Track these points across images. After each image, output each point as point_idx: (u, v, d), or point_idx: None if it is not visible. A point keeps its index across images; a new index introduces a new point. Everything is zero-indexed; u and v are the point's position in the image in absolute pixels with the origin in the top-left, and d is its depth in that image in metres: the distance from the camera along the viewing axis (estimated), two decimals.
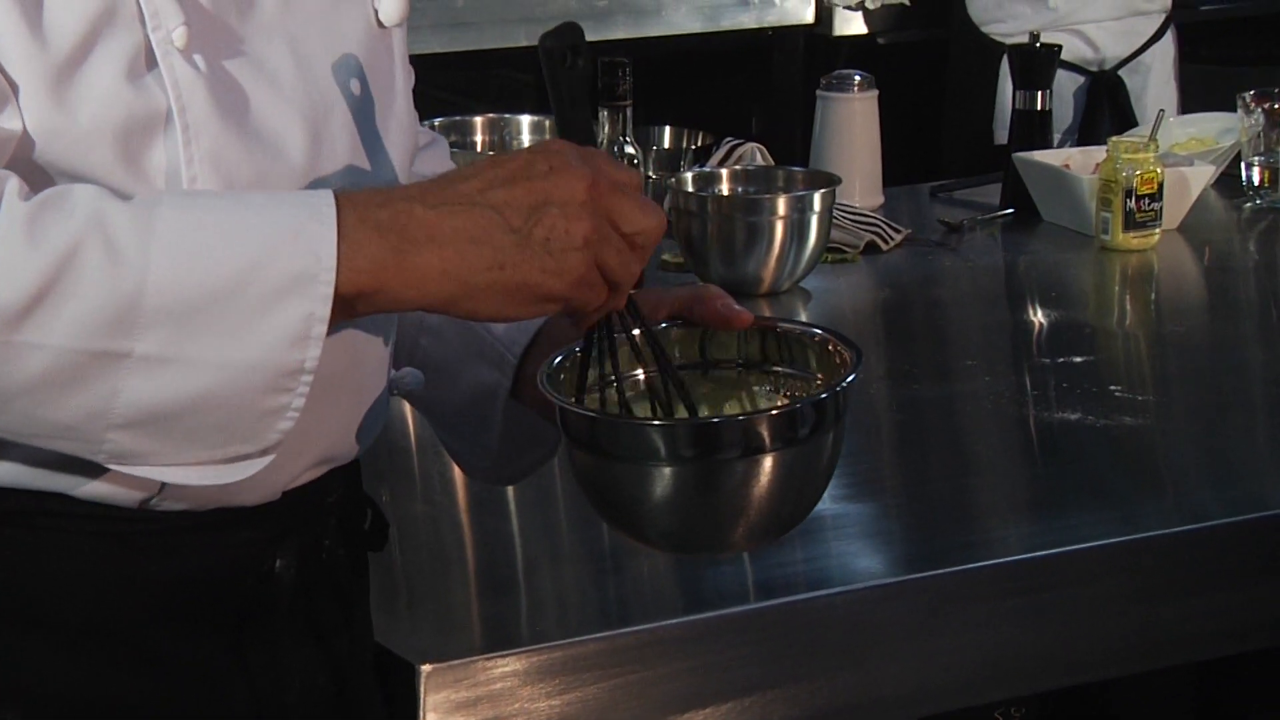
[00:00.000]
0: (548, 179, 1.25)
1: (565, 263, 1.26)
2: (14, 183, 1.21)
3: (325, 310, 1.22)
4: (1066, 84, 3.88)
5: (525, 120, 2.89)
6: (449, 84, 4.83)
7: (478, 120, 2.88)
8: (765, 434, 1.32)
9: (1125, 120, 3.81)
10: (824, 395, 1.36)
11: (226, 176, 1.29)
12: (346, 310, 1.24)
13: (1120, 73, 3.96)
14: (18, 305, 1.18)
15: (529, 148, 1.30)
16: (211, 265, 1.21)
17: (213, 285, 1.21)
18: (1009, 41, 3.49)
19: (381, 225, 1.24)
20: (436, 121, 2.84)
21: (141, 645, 1.33)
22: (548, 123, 2.88)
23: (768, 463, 1.33)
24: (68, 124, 1.25)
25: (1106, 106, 3.92)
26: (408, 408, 2.11)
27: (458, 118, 2.88)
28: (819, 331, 1.47)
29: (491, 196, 1.24)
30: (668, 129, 3.72)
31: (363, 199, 1.25)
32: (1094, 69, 3.95)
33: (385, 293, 1.24)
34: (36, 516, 1.31)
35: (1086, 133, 3.83)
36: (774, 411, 1.36)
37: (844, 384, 1.36)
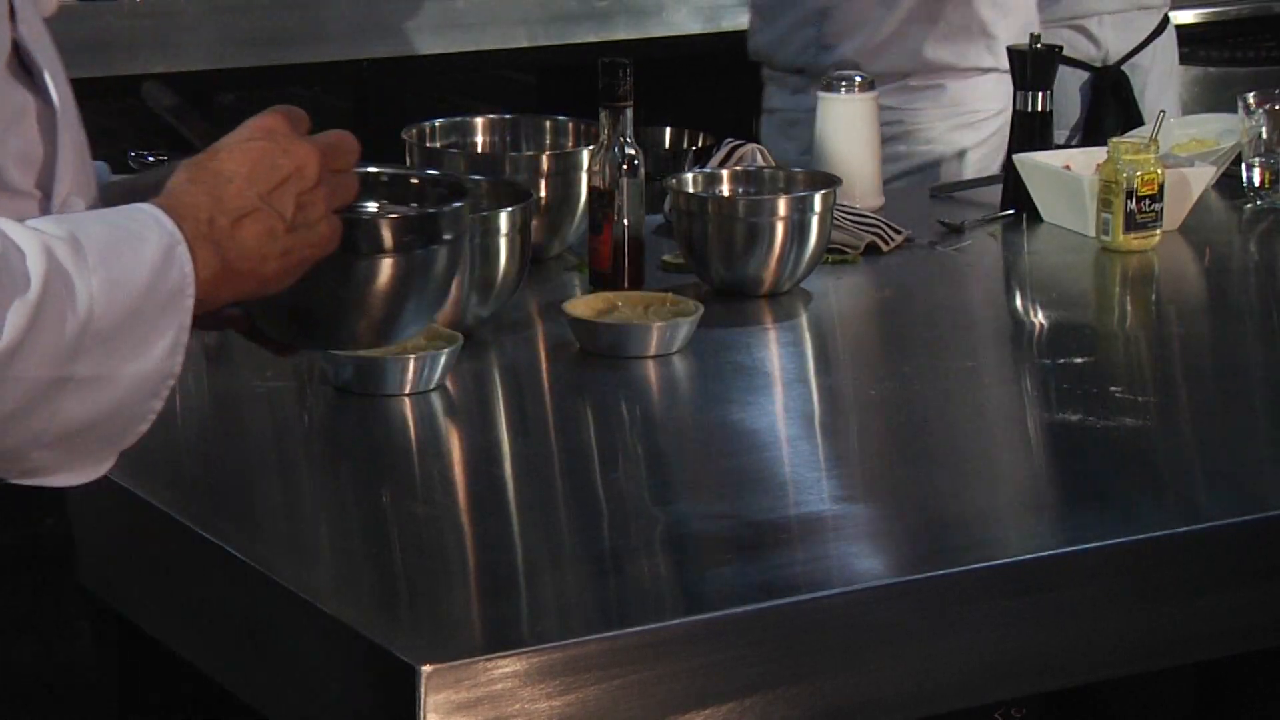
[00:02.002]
0: (291, 165, 1.46)
1: (321, 231, 1.48)
2: None
3: (189, 319, 1.40)
4: (1071, 80, 3.88)
5: (526, 121, 2.89)
6: (449, 85, 4.84)
7: (478, 121, 2.88)
8: (382, 236, 1.58)
9: (1130, 116, 3.81)
10: (430, 211, 1.63)
11: None
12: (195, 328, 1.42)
13: (1124, 68, 3.96)
14: (12, 343, 1.30)
15: (253, 134, 1.47)
16: (127, 288, 1.36)
17: (127, 306, 1.36)
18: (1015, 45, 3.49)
19: (204, 238, 1.42)
20: (437, 122, 2.84)
21: None
22: (548, 124, 2.88)
23: (384, 264, 1.58)
24: None
25: (1111, 102, 3.92)
26: (408, 409, 2.11)
27: (458, 118, 2.88)
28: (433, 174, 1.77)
29: (263, 197, 1.44)
30: (668, 130, 3.72)
31: (181, 212, 1.41)
32: (1098, 65, 3.95)
33: (213, 300, 1.43)
34: None
35: (1091, 129, 3.83)
36: (391, 217, 1.61)
37: (447, 208, 1.64)
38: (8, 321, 1.30)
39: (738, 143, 2.91)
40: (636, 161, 2.51)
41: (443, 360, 2.15)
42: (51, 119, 1.44)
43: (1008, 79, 3.09)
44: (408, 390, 2.13)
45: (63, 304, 1.33)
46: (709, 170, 2.74)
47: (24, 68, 1.43)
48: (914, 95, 3.29)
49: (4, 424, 1.34)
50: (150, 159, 2.64)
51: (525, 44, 4.05)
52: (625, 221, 2.51)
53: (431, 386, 2.14)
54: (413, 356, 2.13)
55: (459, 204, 1.66)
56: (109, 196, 1.52)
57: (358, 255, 1.57)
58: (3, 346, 1.30)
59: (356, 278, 1.57)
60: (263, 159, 1.45)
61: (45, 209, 1.43)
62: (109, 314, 1.36)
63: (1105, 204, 2.78)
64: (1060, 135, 3.58)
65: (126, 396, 1.39)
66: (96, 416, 1.38)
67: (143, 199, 1.45)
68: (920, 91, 3.29)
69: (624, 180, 2.50)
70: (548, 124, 2.88)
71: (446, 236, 1.64)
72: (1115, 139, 2.85)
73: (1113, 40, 3.95)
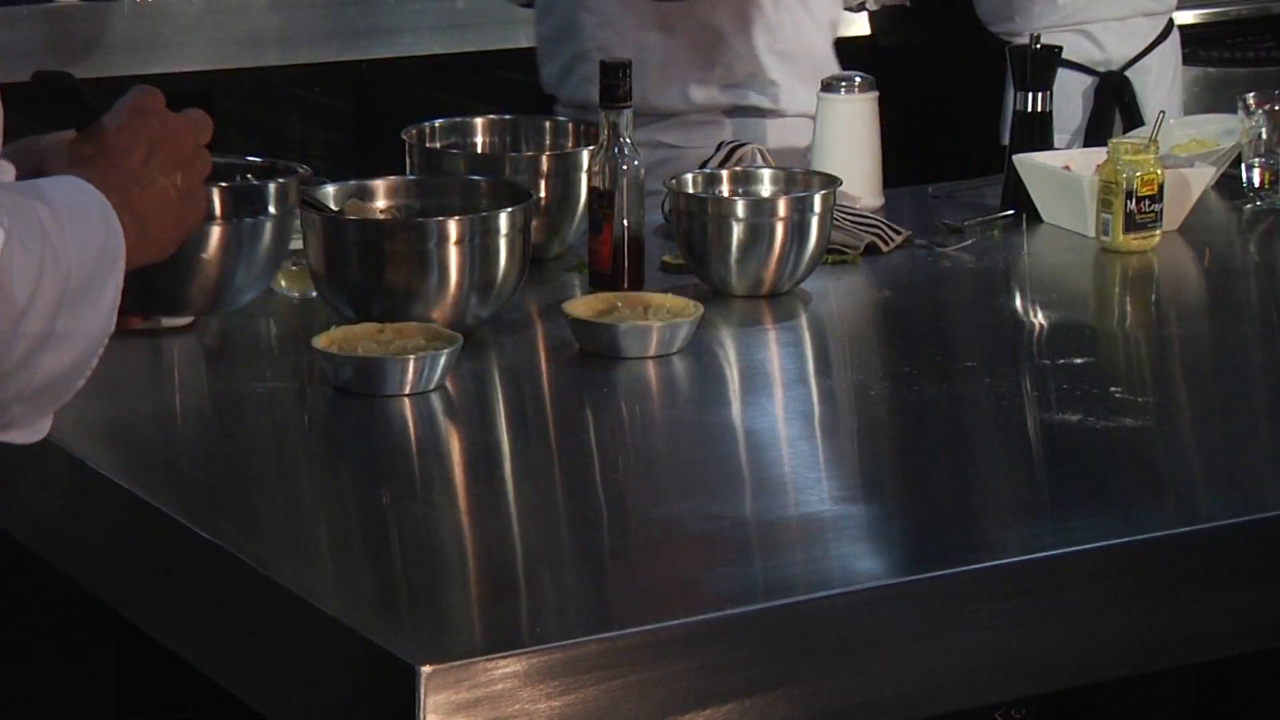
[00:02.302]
0: (173, 141, 1.60)
1: (202, 198, 1.63)
2: None
3: (122, 281, 1.52)
4: (1074, 84, 3.88)
5: (526, 122, 2.89)
6: (450, 86, 4.83)
7: (478, 121, 2.87)
8: (213, 204, 1.79)
9: (1133, 121, 3.81)
10: (256, 184, 1.87)
11: None
12: None
13: (1128, 73, 3.96)
14: (26, 300, 1.42)
15: (132, 113, 1.61)
16: (88, 251, 1.49)
17: (88, 268, 1.48)
18: (1016, 42, 3.49)
19: (124, 208, 1.54)
20: (437, 123, 2.84)
21: None
22: (548, 124, 2.88)
23: (214, 230, 1.80)
24: None
25: (1114, 107, 3.92)
26: (408, 409, 2.11)
27: (458, 119, 2.88)
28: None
29: (158, 170, 1.59)
30: None
31: (100, 184, 1.53)
32: (1101, 69, 3.95)
33: (130, 263, 1.54)
34: None
35: (1094, 133, 3.83)
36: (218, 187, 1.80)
37: (273, 183, 1.87)
38: (23, 280, 1.42)
39: (737, 143, 2.91)
40: (637, 161, 2.51)
41: (442, 361, 2.15)
42: None
43: (799, 124, 3.08)
44: (408, 390, 2.13)
45: (54, 264, 1.45)
46: (708, 171, 2.74)
47: None
48: (692, 131, 3.24)
49: (6, 378, 1.45)
50: None
51: (525, 44, 4.04)
52: (625, 222, 2.51)
53: (431, 387, 2.14)
54: (413, 357, 2.13)
55: (285, 180, 1.89)
56: None
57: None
58: (20, 304, 1.42)
59: (189, 242, 1.69)
60: (150, 135, 1.59)
61: None
62: (79, 274, 1.47)
63: (1105, 204, 2.78)
64: (1063, 140, 3.58)
65: (83, 352, 1.51)
66: (62, 372, 1.50)
67: (36, 170, 1.57)
68: (700, 127, 3.22)
69: (624, 181, 2.50)
70: (548, 125, 2.88)
71: (272, 210, 1.86)
72: (1115, 139, 2.85)
73: (1116, 45, 3.95)
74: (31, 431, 1.56)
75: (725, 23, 3.14)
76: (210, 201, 1.77)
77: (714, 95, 3.17)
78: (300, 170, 1.95)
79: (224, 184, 1.85)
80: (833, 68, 3.21)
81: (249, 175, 1.93)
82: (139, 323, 1.77)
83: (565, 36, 3.26)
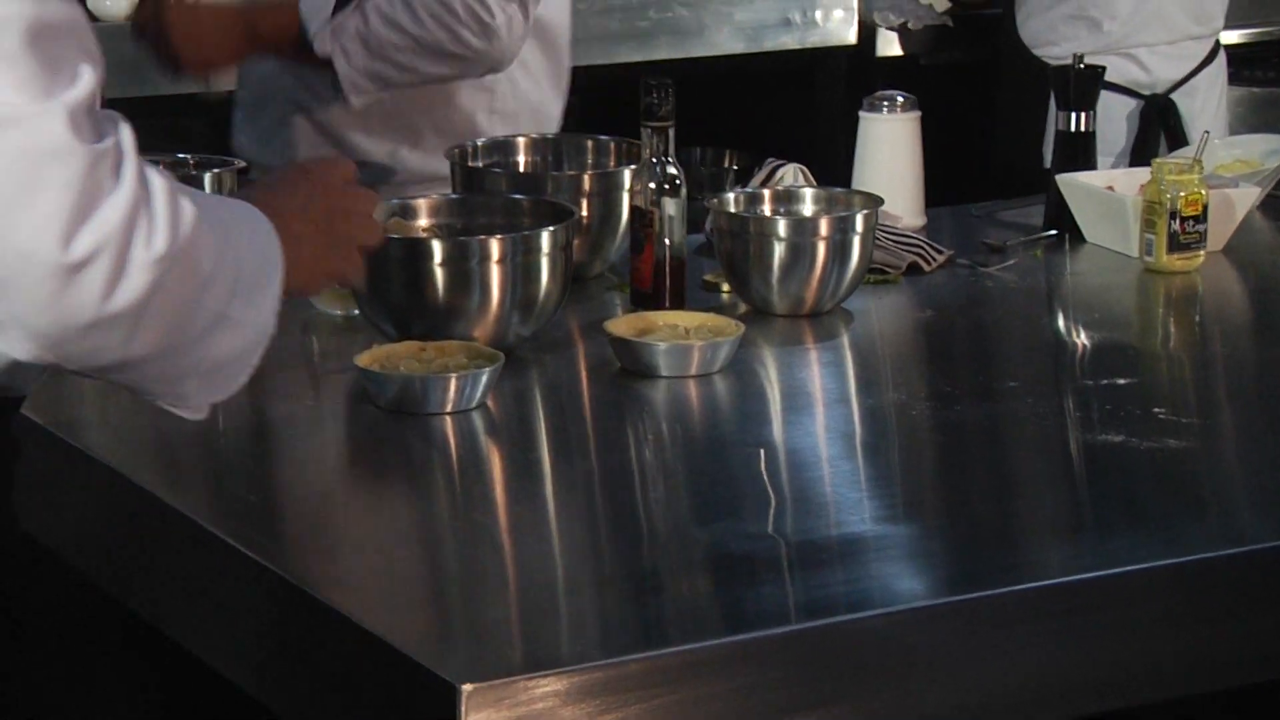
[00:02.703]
0: (331, 198, 1.82)
1: (352, 254, 1.83)
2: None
3: (280, 290, 1.67)
4: (1119, 107, 3.87)
5: (568, 140, 2.90)
6: None
7: (520, 140, 2.88)
8: None
9: (1178, 144, 3.79)
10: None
11: None
12: None
13: (1173, 96, 3.95)
14: (206, 273, 1.56)
15: (298, 170, 1.86)
16: (256, 251, 1.65)
17: (256, 263, 1.65)
18: (1057, 64, 3.48)
19: (280, 233, 1.69)
20: (480, 142, 2.84)
21: None
22: (589, 143, 2.89)
23: None
24: None
25: (1160, 130, 3.91)
26: (449, 427, 2.12)
27: (501, 138, 2.88)
28: None
29: (312, 214, 1.78)
30: (710, 149, 3.73)
31: (268, 210, 1.70)
32: (1146, 92, 3.94)
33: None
34: None
35: (1138, 156, 3.82)
36: None
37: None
38: (208, 256, 1.56)
39: (779, 162, 2.91)
40: (678, 181, 2.51)
41: (484, 379, 2.15)
42: None
43: None
44: (449, 409, 2.13)
45: (231, 250, 1.61)
46: (750, 190, 2.73)
47: None
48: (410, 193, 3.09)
49: (186, 346, 1.58)
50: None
51: (566, 64, 4.05)
52: (666, 241, 2.51)
53: (473, 405, 2.15)
54: (454, 375, 2.13)
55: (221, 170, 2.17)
56: None
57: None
58: (205, 276, 1.56)
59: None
60: (310, 186, 1.81)
61: None
62: (250, 266, 1.64)
63: (1149, 224, 2.77)
64: (1107, 163, 3.57)
65: (247, 344, 1.65)
66: (231, 356, 1.64)
67: None
68: (417, 187, 2.98)
69: (665, 200, 2.50)
70: (590, 144, 2.89)
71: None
72: (1159, 159, 2.84)
73: (1162, 68, 3.94)
74: (194, 411, 1.68)
75: (436, 85, 2.92)
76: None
77: (427, 160, 2.97)
78: (235, 164, 2.18)
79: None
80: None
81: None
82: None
83: (268, 100, 3.06)
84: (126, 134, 1.51)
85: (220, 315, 1.60)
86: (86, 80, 1.47)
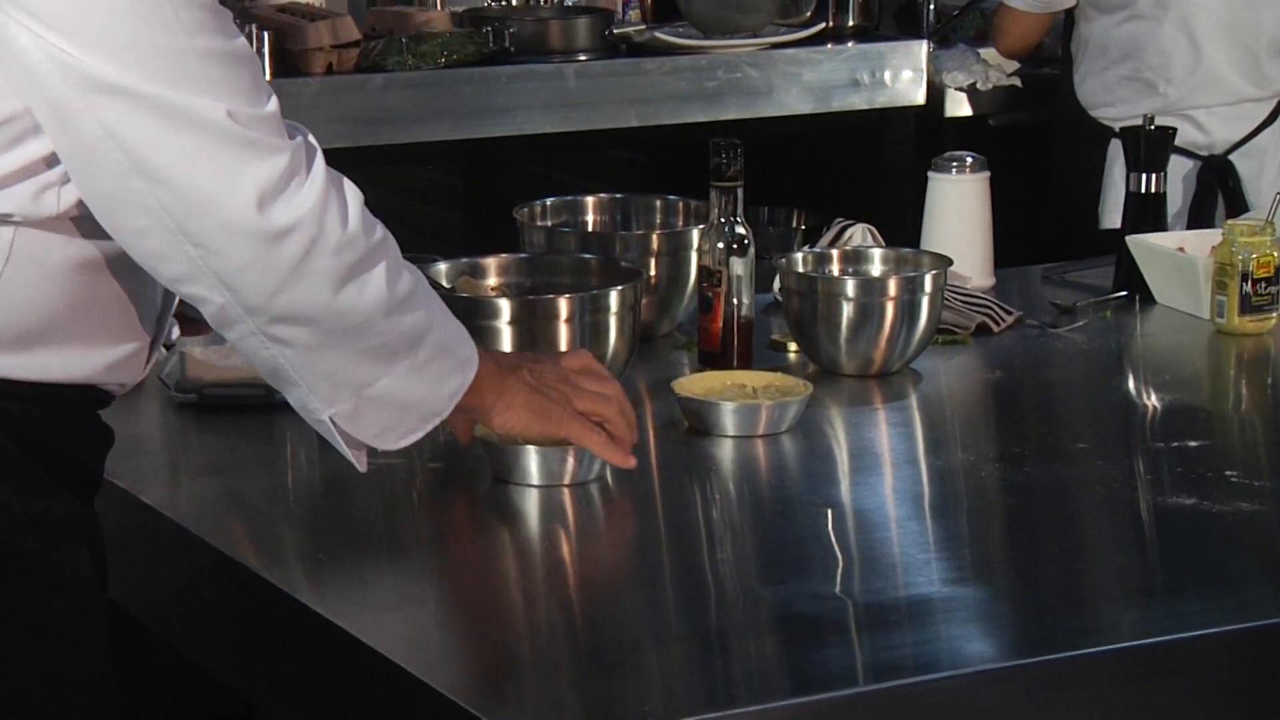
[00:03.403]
0: (558, 370, 2.03)
1: (557, 413, 2.02)
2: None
3: (466, 390, 1.90)
4: (1177, 169, 3.85)
5: (636, 200, 2.90)
6: (561, 164, 4.86)
7: (589, 200, 2.89)
8: None
9: (1236, 205, 3.78)
10: None
11: None
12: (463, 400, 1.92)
13: (1231, 158, 3.93)
14: (399, 299, 1.80)
15: (567, 365, 2.05)
16: (448, 329, 1.88)
17: (446, 341, 1.87)
18: (1118, 125, 3.47)
19: (483, 355, 1.93)
20: (549, 201, 2.86)
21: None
22: (658, 203, 2.89)
23: None
24: None
25: (1217, 191, 3.89)
26: (515, 486, 2.12)
27: (569, 198, 2.90)
28: None
29: (528, 368, 2.01)
30: (778, 209, 3.73)
31: (484, 351, 1.95)
32: (1204, 154, 3.92)
33: (474, 408, 1.95)
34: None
35: (1196, 217, 3.80)
36: None
37: None
38: (402, 276, 1.81)
39: (847, 222, 2.90)
40: (746, 240, 2.51)
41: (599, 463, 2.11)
42: None
43: None
44: (567, 481, 2.10)
45: (422, 300, 1.84)
46: (818, 249, 2.73)
47: None
48: None
49: (364, 355, 1.80)
50: None
51: (635, 123, 4.07)
52: (735, 300, 2.51)
53: (592, 477, 2.12)
54: (571, 450, 2.07)
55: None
56: None
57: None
58: (397, 290, 1.80)
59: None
60: (539, 357, 2.08)
61: None
62: (442, 335, 1.86)
63: (1220, 286, 2.75)
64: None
65: (417, 404, 1.87)
66: (399, 402, 1.85)
67: None
68: None
69: (734, 259, 2.50)
70: (658, 203, 2.89)
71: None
72: (1231, 221, 2.82)
73: (1220, 129, 3.93)
74: (354, 451, 1.88)
75: None
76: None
77: None
78: (433, 260, 2.36)
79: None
80: None
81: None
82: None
83: None
84: (311, 136, 1.78)
85: (405, 347, 1.82)
86: (274, 96, 1.75)
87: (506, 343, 2.30)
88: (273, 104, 1.74)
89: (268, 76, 3.05)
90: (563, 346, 2.30)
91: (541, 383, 2.00)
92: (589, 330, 2.31)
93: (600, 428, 2.04)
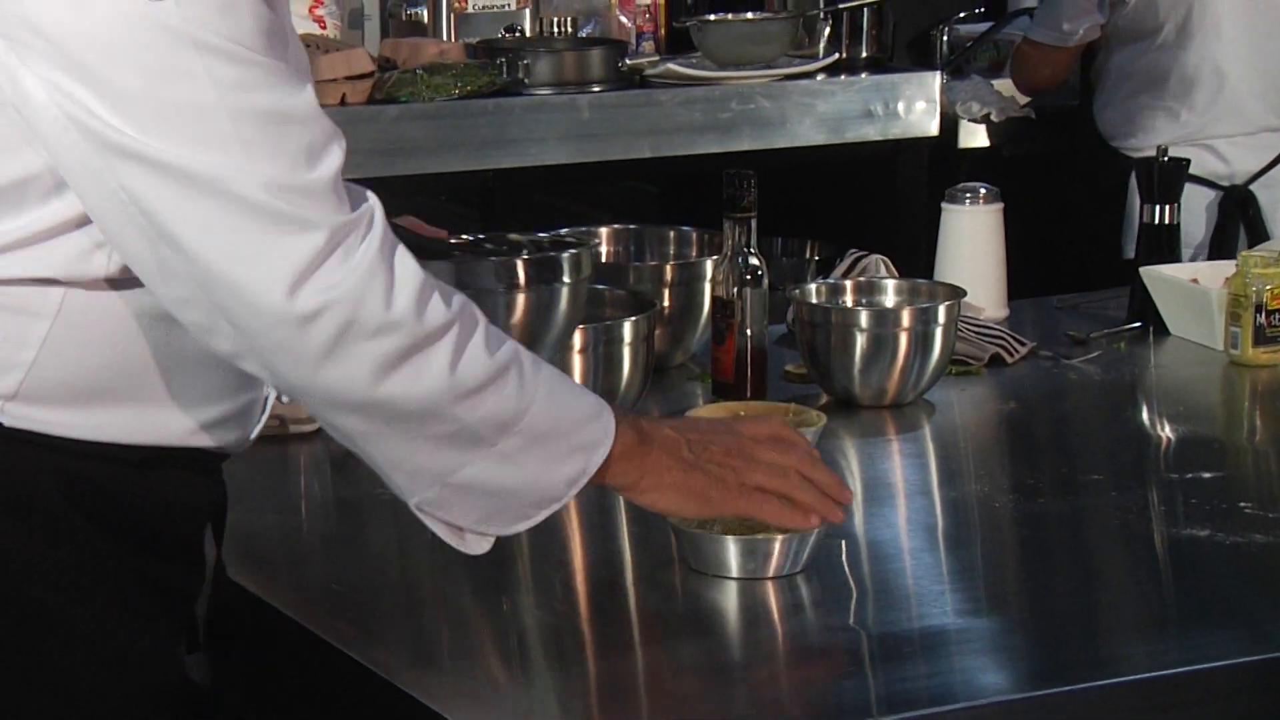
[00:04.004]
0: (752, 446, 1.85)
1: (706, 488, 1.83)
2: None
3: (591, 474, 1.74)
4: (1198, 199, 3.85)
5: (650, 231, 2.91)
6: (575, 194, 4.87)
7: (604, 230, 2.90)
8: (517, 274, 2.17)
9: (1257, 235, 3.78)
10: (553, 254, 2.21)
11: None
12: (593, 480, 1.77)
13: (1252, 188, 3.93)
14: (468, 387, 1.64)
15: (750, 434, 1.87)
16: (559, 411, 1.71)
17: (555, 425, 1.70)
18: (1138, 156, 3.48)
19: (626, 420, 1.77)
20: (563, 231, 2.86)
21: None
22: (671, 234, 2.90)
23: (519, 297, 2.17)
24: None
25: (1238, 222, 3.89)
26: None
27: (584, 229, 2.90)
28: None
29: (708, 449, 1.82)
30: (792, 240, 3.73)
31: (628, 418, 1.78)
32: (1225, 184, 3.92)
33: (612, 472, 1.76)
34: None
35: (1217, 248, 3.80)
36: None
37: (567, 252, 2.22)
38: (467, 359, 1.64)
39: (861, 253, 2.91)
40: (760, 271, 2.51)
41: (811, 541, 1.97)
42: None
43: None
44: (771, 574, 1.95)
45: (512, 386, 1.67)
46: (832, 280, 2.74)
47: None
48: None
49: (431, 445, 1.66)
50: None
51: (649, 154, 4.07)
52: (748, 331, 2.51)
53: (799, 569, 1.97)
54: (777, 538, 1.94)
55: (579, 250, 2.22)
56: None
57: (499, 290, 2.15)
58: (459, 377, 1.64)
59: (494, 310, 2.07)
60: (731, 443, 1.85)
61: None
62: (540, 420, 1.69)
63: (1234, 318, 2.75)
64: (1186, 254, 3.56)
65: (523, 488, 1.71)
66: (493, 488, 1.70)
67: None
68: None
69: (747, 290, 2.50)
70: (671, 234, 2.90)
71: (568, 278, 2.19)
72: (1245, 252, 2.82)
73: (1240, 159, 3.93)
74: (450, 533, 1.75)
75: None
76: (515, 273, 2.17)
77: None
78: (593, 241, 2.33)
79: (526, 256, 2.18)
80: None
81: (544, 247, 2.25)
82: None
83: None
84: (378, 210, 1.64)
85: (481, 436, 1.66)
86: (333, 158, 1.61)
87: None
88: (324, 168, 1.60)
89: None
90: (576, 379, 2.30)
91: (703, 458, 1.82)
92: (603, 361, 2.31)
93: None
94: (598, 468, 1.74)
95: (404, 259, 1.63)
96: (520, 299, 2.17)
